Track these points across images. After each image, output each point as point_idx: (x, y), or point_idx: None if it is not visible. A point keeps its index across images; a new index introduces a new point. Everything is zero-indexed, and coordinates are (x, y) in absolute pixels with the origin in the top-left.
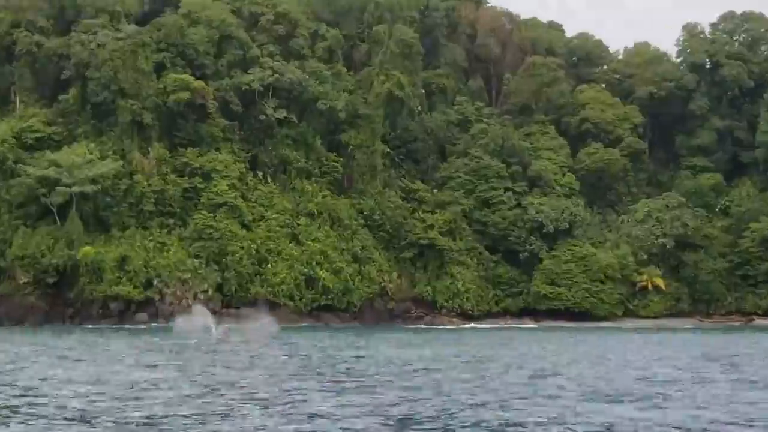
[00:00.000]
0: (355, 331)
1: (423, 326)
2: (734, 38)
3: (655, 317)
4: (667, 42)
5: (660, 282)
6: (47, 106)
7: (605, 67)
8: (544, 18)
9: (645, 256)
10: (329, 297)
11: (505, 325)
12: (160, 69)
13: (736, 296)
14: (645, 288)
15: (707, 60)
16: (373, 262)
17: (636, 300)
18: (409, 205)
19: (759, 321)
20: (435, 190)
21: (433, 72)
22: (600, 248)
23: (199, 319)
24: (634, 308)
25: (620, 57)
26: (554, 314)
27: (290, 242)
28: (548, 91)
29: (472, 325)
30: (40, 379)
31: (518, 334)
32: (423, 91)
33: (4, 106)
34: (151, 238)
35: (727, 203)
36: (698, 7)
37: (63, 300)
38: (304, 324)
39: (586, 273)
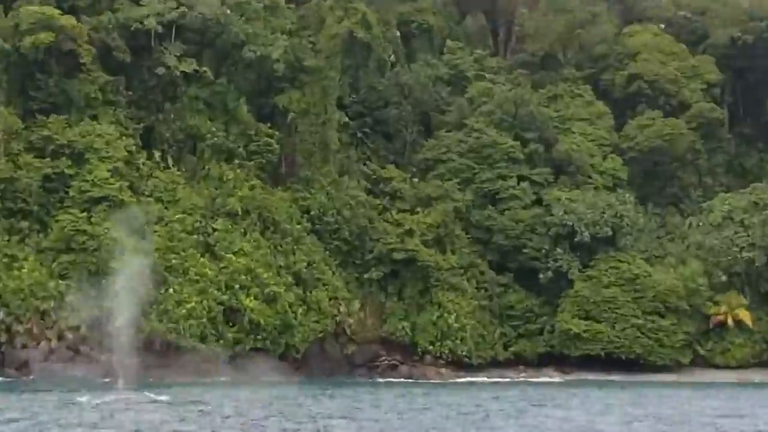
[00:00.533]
0: (296, 389)
1: (398, 379)
2: None
3: (738, 367)
4: None
5: (745, 315)
6: None
7: None
8: None
9: (724, 278)
10: (259, 337)
11: (518, 379)
12: None
13: None
14: (723, 324)
15: None
16: (325, 285)
17: (710, 342)
18: (377, 201)
19: None
20: (416, 180)
21: (413, 5)
22: (658, 265)
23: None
24: (707, 354)
25: None
26: (589, 363)
27: (202, 256)
28: (582, 35)
29: (470, 378)
30: None
31: (553, 393)
32: (398, 33)
33: None
34: None
35: None
36: None
37: None
38: (221, 378)
39: (637, 302)
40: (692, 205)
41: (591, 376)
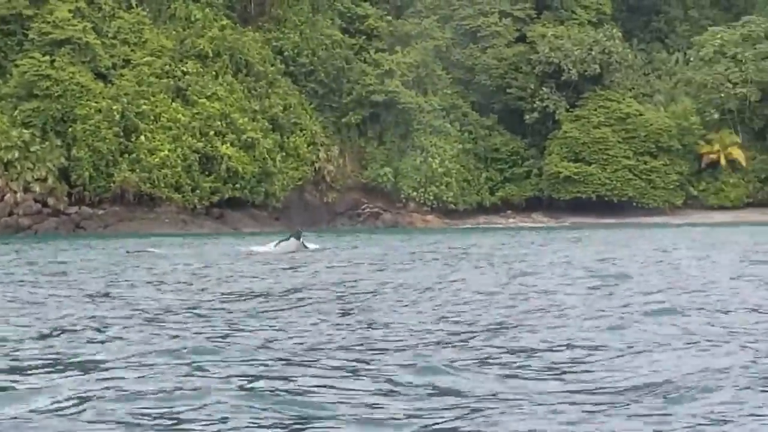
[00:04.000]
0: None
1: (380, 226)
2: None
3: (732, 208)
4: None
5: (738, 154)
6: None
7: None
8: None
9: (716, 115)
10: (238, 186)
11: (508, 224)
12: None
13: None
14: (715, 163)
15: None
16: (302, 130)
17: (702, 182)
18: (353, 41)
19: None
20: (392, 18)
21: None
22: (646, 104)
23: None
24: (700, 195)
25: None
26: (579, 206)
27: (173, 101)
28: None
29: (458, 224)
30: None
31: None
32: None
33: None
34: None
35: None
36: None
37: None
38: (199, 231)
39: (628, 142)
40: (678, 40)
41: (582, 220)
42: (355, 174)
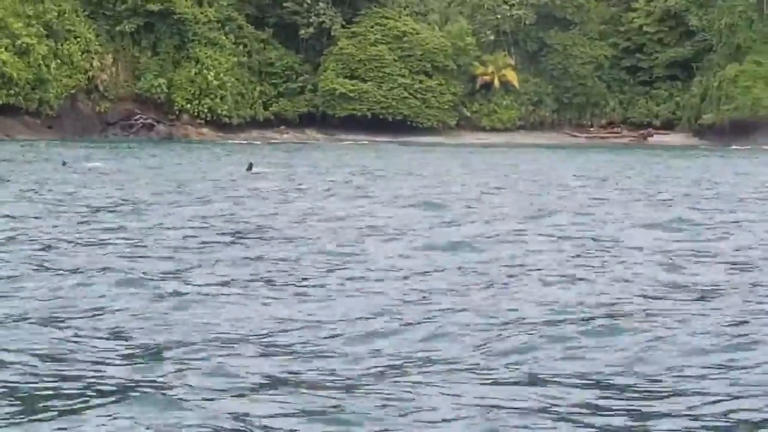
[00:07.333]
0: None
1: (154, 138)
2: None
3: (505, 130)
4: None
5: (512, 76)
6: None
7: None
8: None
9: (491, 37)
10: (12, 92)
11: (284, 140)
12: None
13: (621, 99)
14: (489, 85)
15: None
16: (76, 38)
17: (476, 104)
18: None
19: (657, 138)
20: None
21: None
22: (422, 23)
23: None
24: (473, 116)
25: None
26: (354, 124)
27: None
28: None
29: (233, 138)
30: None
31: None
32: None
33: None
34: None
35: None
36: None
37: None
38: None
39: (404, 61)
40: None
41: (356, 138)
42: (129, 84)
